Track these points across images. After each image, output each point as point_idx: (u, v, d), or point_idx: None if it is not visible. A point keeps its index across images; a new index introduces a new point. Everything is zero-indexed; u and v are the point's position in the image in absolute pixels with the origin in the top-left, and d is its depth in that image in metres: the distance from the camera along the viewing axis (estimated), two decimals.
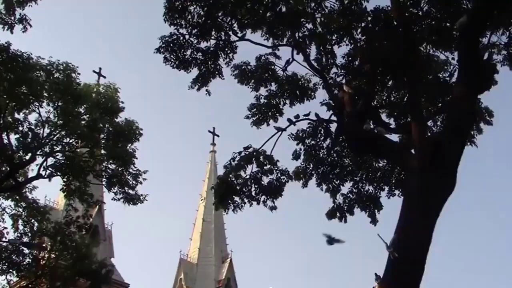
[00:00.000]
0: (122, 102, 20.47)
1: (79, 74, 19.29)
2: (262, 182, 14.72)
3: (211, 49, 14.32)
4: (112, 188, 20.52)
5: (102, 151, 20.83)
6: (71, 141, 20.02)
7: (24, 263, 21.10)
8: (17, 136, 19.54)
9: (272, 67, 14.82)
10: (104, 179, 20.98)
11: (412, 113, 12.15)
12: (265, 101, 15.07)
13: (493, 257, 67.17)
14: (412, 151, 11.42)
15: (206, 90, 14.71)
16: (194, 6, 13.77)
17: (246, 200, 14.65)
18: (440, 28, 13.71)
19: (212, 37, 14.23)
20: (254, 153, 14.64)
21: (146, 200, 20.80)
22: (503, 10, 12.36)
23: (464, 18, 11.06)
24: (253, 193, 14.65)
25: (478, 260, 70.16)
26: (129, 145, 20.53)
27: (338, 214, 15.31)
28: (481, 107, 14.76)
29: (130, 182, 20.48)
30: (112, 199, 20.78)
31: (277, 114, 15.06)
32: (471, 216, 70.37)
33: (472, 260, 70.79)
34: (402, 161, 11.82)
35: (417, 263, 9.84)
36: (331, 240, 12.46)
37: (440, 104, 14.44)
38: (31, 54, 17.63)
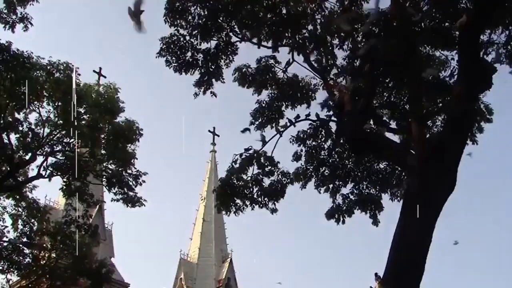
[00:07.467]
0: (122, 102, 20.52)
1: (79, 74, 19.35)
2: (264, 184, 14.72)
3: (212, 50, 14.25)
4: (112, 189, 20.54)
5: (102, 151, 20.85)
6: (71, 141, 20.03)
7: (24, 262, 21.12)
8: (17, 136, 19.58)
9: (273, 69, 14.75)
10: (104, 179, 21.00)
11: (412, 113, 12.16)
12: (267, 104, 15.03)
13: (493, 257, 67.18)
14: (412, 151, 11.43)
15: (211, 92, 14.63)
16: (195, 7, 13.75)
17: (247, 203, 14.64)
18: (440, 28, 13.70)
19: (213, 39, 14.18)
20: (255, 155, 14.64)
21: (144, 205, 20.83)
22: (502, 10, 12.35)
23: (464, 18, 11.05)
24: (254, 195, 14.64)
25: (478, 260, 70.18)
26: (129, 145, 20.55)
27: (336, 216, 15.30)
28: (481, 106, 14.77)
29: (130, 183, 20.51)
30: (111, 200, 20.86)
31: (279, 117, 14.98)
32: (471, 216, 70.32)
33: (472, 259, 70.81)
34: (402, 161, 11.81)
35: (417, 263, 9.85)
36: None
37: (440, 104, 14.43)
38: (32, 53, 17.67)
